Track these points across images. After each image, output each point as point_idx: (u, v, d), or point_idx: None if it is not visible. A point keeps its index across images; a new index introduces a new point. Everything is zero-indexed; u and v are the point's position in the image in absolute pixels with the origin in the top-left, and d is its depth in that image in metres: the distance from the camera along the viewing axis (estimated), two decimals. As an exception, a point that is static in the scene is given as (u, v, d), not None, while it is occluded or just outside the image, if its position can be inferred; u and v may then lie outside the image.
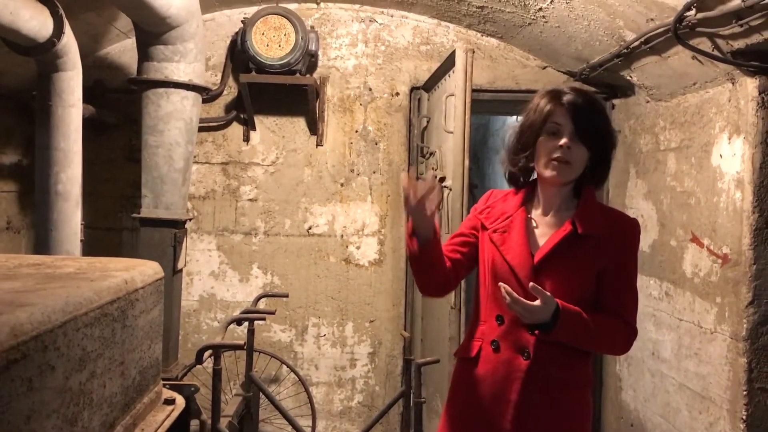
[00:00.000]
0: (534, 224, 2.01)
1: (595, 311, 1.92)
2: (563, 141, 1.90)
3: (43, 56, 2.70)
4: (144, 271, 1.58)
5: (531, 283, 1.82)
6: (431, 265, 2.00)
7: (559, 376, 1.95)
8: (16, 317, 1.01)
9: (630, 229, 2.01)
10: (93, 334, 1.26)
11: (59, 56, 2.71)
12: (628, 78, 3.71)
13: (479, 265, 2.08)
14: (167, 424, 1.60)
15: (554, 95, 1.98)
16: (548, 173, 1.94)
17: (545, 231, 2.00)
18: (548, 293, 1.79)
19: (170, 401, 1.72)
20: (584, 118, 1.93)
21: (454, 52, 3.23)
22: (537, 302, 1.78)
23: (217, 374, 2.87)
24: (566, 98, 1.95)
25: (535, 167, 2.01)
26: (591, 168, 1.98)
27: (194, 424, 2.22)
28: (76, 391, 1.19)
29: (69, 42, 2.73)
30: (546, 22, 3.61)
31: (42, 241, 2.78)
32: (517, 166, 2.03)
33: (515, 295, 1.79)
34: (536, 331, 1.87)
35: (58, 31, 2.63)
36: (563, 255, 1.93)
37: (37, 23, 2.50)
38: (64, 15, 2.64)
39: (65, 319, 1.14)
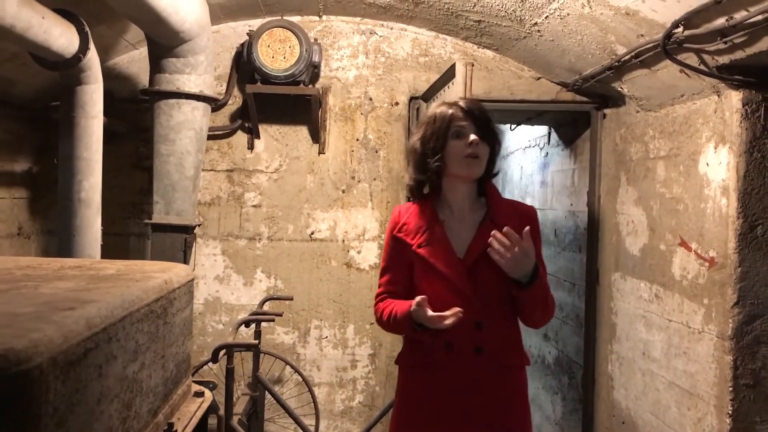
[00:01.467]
0: (456, 230, 2.15)
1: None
2: (472, 138, 2.09)
3: (68, 71, 2.84)
4: (178, 272, 1.71)
5: (506, 228, 1.95)
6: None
7: (510, 362, 2.13)
8: (88, 312, 1.15)
9: (532, 214, 2.21)
10: (143, 328, 1.39)
11: (83, 70, 2.85)
12: (619, 89, 3.87)
13: (414, 279, 2.18)
14: (199, 414, 1.73)
15: (450, 104, 2.19)
16: (465, 171, 2.12)
17: (465, 233, 2.15)
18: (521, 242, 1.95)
19: (199, 394, 1.85)
20: (481, 119, 2.14)
21: (454, 65, 3.38)
22: (525, 244, 1.94)
23: (230, 373, 3.00)
24: (462, 104, 2.17)
25: (445, 170, 2.16)
26: (490, 167, 2.20)
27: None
28: (131, 379, 1.32)
29: (92, 57, 2.87)
30: (540, 35, 3.77)
31: (65, 246, 2.91)
32: (428, 173, 2.17)
33: (514, 235, 1.93)
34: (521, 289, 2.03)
35: (83, 47, 2.76)
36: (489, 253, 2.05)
37: (66, 40, 2.64)
38: (89, 32, 2.78)
39: (124, 314, 1.27)
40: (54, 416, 0.98)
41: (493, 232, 1.97)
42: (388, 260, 2.24)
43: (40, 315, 1.09)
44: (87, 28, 2.77)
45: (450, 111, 2.16)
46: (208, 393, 1.89)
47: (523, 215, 2.18)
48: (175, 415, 1.65)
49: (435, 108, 2.23)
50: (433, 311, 1.99)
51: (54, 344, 0.98)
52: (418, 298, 1.96)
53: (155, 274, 1.61)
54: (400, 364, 2.24)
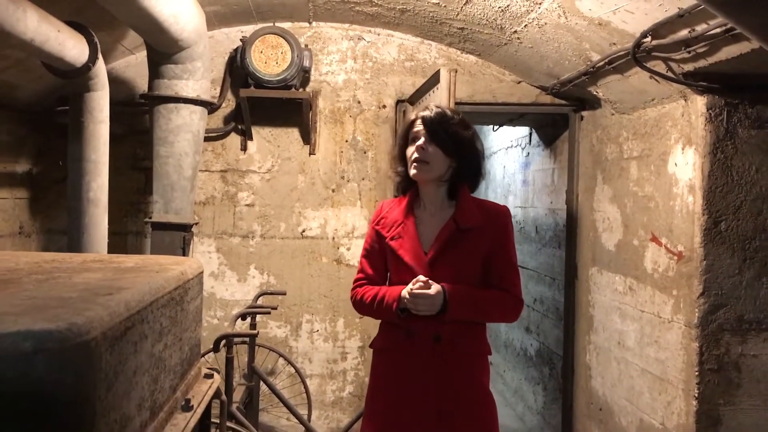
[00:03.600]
0: (426, 227, 2.33)
1: (484, 289, 2.28)
2: (419, 143, 2.27)
3: (78, 78, 3.00)
4: (191, 265, 1.90)
5: (419, 276, 2.18)
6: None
7: (468, 350, 2.28)
8: (125, 296, 1.33)
9: (502, 215, 2.35)
10: (166, 313, 1.58)
11: (91, 78, 3.02)
12: (595, 93, 4.09)
13: (387, 268, 2.40)
14: (210, 392, 1.92)
15: (417, 113, 2.37)
16: (411, 172, 2.29)
17: (433, 230, 2.31)
18: (436, 286, 2.16)
19: (209, 375, 2.04)
20: (436, 125, 2.29)
21: (438, 71, 3.57)
22: (431, 290, 2.14)
23: (229, 362, 3.18)
24: (423, 112, 2.34)
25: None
26: (459, 171, 2.32)
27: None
28: (157, 357, 1.51)
29: (100, 65, 3.04)
30: (520, 42, 3.97)
31: (75, 244, 3.08)
32: (398, 174, 2.42)
33: (418, 292, 2.15)
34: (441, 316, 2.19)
35: (93, 57, 2.94)
36: (451, 248, 2.26)
37: (77, 51, 2.81)
38: (98, 43, 2.95)
39: (152, 299, 1.46)
40: (105, 381, 1.16)
41: (410, 292, 2.16)
42: (367, 249, 2.45)
43: (85, 299, 1.27)
44: (96, 39, 2.95)
45: (410, 119, 2.37)
46: (216, 375, 2.08)
47: (489, 214, 2.33)
48: (190, 392, 1.84)
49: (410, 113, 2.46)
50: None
51: (104, 321, 1.16)
52: (415, 281, 2.18)
53: (171, 267, 1.79)
54: (373, 348, 2.45)
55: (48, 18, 2.53)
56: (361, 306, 2.41)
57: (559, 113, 4.75)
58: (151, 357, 1.45)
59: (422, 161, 2.27)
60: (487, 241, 2.29)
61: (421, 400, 2.24)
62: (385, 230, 2.38)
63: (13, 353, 0.99)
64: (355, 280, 2.47)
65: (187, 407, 1.71)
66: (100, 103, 3.10)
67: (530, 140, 5.87)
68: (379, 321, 2.46)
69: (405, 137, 2.38)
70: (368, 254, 2.45)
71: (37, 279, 1.50)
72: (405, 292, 2.19)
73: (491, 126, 6.33)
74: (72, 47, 2.75)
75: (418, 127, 2.31)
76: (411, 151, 2.31)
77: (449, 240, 2.27)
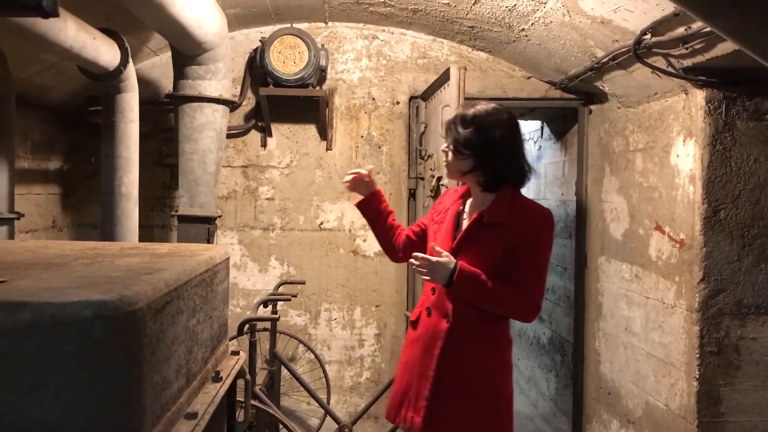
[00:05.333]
0: (465, 217, 2.52)
1: (499, 281, 2.35)
2: (441, 148, 2.51)
3: (111, 81, 3.22)
4: (219, 251, 2.08)
5: (431, 243, 2.42)
6: (375, 219, 2.74)
7: (475, 335, 2.39)
8: (164, 276, 1.52)
9: (534, 217, 2.40)
10: (198, 292, 1.77)
11: (123, 80, 3.23)
12: (601, 87, 4.22)
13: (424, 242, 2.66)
14: (237, 367, 2.11)
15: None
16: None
17: (468, 221, 2.48)
18: (447, 254, 2.33)
19: (236, 353, 2.23)
20: (448, 125, 2.48)
21: (449, 69, 3.73)
22: (435, 258, 2.31)
23: (252, 345, 3.38)
24: (450, 117, 2.52)
25: None
26: (485, 171, 2.41)
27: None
28: (192, 331, 1.70)
29: (130, 68, 3.25)
30: (528, 40, 4.12)
31: (108, 235, 3.30)
32: None
33: (420, 255, 2.35)
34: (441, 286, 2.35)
35: (124, 61, 3.15)
36: (473, 240, 2.39)
37: (111, 56, 3.02)
38: (129, 48, 3.16)
39: (186, 279, 1.65)
40: (149, 346, 1.35)
41: (413, 254, 2.38)
42: (423, 217, 2.79)
43: (129, 277, 1.46)
44: (127, 45, 3.16)
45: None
46: (242, 353, 2.27)
47: (521, 215, 2.39)
48: (219, 366, 2.03)
49: None
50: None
51: (148, 295, 1.35)
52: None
53: (201, 252, 1.98)
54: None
55: (85, 26, 2.74)
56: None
57: (569, 107, 4.88)
58: (186, 330, 1.64)
59: (445, 160, 2.50)
60: (512, 238, 2.35)
61: (421, 376, 2.44)
62: (434, 215, 2.63)
63: (76, 319, 1.18)
64: None
65: (217, 378, 1.90)
66: (130, 104, 3.31)
67: (542, 134, 6.01)
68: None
69: None
70: (418, 224, 2.78)
71: (84, 263, 1.70)
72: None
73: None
74: (106, 52, 2.96)
75: (444, 130, 2.57)
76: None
77: (473, 232, 2.40)
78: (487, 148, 2.40)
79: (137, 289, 1.32)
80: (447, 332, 2.40)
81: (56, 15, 1.28)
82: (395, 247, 2.77)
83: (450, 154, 2.46)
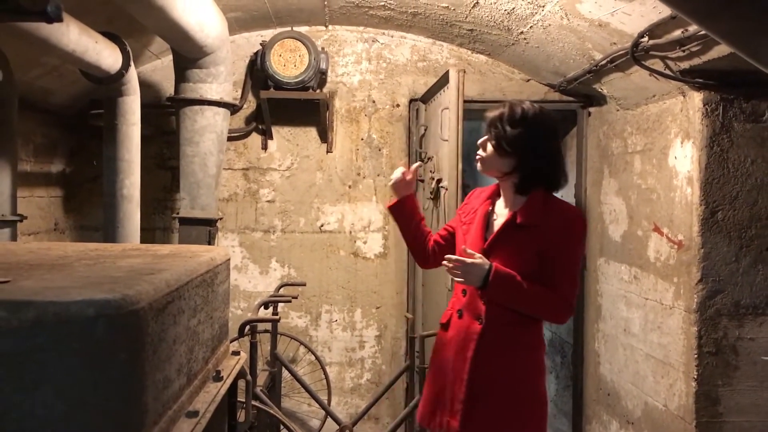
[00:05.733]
0: (495, 217, 2.49)
1: (534, 283, 2.32)
2: (480, 140, 2.45)
3: (112, 84, 3.25)
4: (219, 252, 2.11)
5: (463, 246, 2.37)
6: (408, 224, 2.67)
7: (508, 338, 2.37)
8: (165, 276, 1.54)
9: (567, 219, 2.38)
10: (199, 293, 1.79)
11: (124, 84, 3.26)
12: (600, 90, 4.25)
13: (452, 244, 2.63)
14: (237, 367, 2.13)
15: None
16: (477, 166, 2.49)
17: (500, 221, 2.44)
18: (480, 255, 2.30)
19: (236, 353, 2.26)
20: (491, 122, 2.40)
21: (448, 72, 3.76)
22: (468, 259, 2.28)
23: (253, 346, 3.40)
24: (490, 112, 2.44)
25: None
26: (523, 170, 2.38)
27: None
28: (193, 330, 1.72)
29: (132, 72, 3.29)
30: (527, 43, 4.15)
31: (110, 237, 3.33)
32: None
33: (453, 257, 2.32)
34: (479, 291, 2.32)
35: (126, 64, 3.18)
36: (506, 241, 2.36)
37: (113, 59, 3.05)
38: (130, 51, 3.19)
39: (187, 279, 1.67)
40: (151, 345, 1.38)
41: (446, 256, 2.34)
42: (449, 222, 2.75)
43: (131, 277, 1.48)
44: (128, 48, 3.19)
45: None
46: (243, 353, 2.29)
47: (554, 216, 2.36)
48: (220, 365, 2.05)
49: None
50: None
51: (150, 295, 1.37)
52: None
53: (202, 253, 2.00)
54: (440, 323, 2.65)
55: (87, 30, 2.77)
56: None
57: (568, 110, 4.91)
58: (187, 329, 1.66)
59: (479, 156, 2.46)
60: (544, 240, 2.33)
61: (456, 379, 2.39)
62: (462, 216, 2.58)
63: (79, 318, 1.21)
64: None
65: (218, 377, 1.92)
66: (132, 107, 3.34)
67: (541, 136, 6.02)
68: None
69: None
70: (446, 227, 2.73)
71: (87, 263, 1.72)
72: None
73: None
74: (107, 56, 2.99)
75: (485, 125, 2.45)
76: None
77: (506, 233, 2.37)
78: (533, 150, 2.37)
79: (139, 289, 1.35)
80: (480, 334, 2.36)
81: (60, 20, 1.31)
82: (425, 253, 2.70)
83: (489, 149, 2.41)
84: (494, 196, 2.54)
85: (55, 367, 1.21)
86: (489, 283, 2.27)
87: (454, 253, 2.49)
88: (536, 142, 2.37)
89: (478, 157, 2.47)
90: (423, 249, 2.70)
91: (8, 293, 1.26)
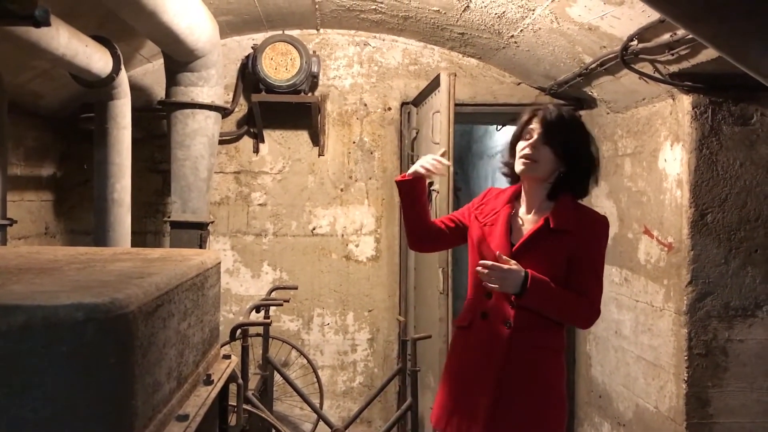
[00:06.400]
0: (519, 221, 2.42)
1: (565, 288, 2.29)
2: (531, 141, 2.32)
3: (103, 88, 3.24)
4: (210, 256, 2.11)
5: (497, 252, 2.27)
6: (415, 200, 2.51)
7: (536, 342, 2.32)
8: (155, 280, 1.54)
9: (599, 224, 2.38)
10: (189, 296, 1.79)
11: (115, 87, 3.26)
12: (590, 93, 4.27)
13: (470, 251, 2.51)
14: (228, 371, 2.13)
15: (535, 110, 2.39)
16: (518, 168, 2.34)
17: (527, 225, 2.38)
18: (515, 263, 2.23)
19: (227, 357, 2.25)
20: (552, 126, 2.31)
21: (439, 75, 3.77)
22: (505, 266, 2.21)
23: (245, 350, 3.40)
24: (542, 111, 2.35)
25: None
26: (566, 176, 2.34)
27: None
28: (183, 334, 1.72)
29: (122, 75, 3.29)
30: (518, 46, 4.17)
31: (101, 241, 3.32)
32: (506, 164, 2.50)
33: (488, 263, 2.23)
34: (513, 298, 2.25)
35: (116, 68, 3.18)
36: (538, 246, 2.30)
37: (103, 63, 3.05)
38: (121, 55, 3.19)
39: (177, 283, 1.67)
40: (140, 348, 1.38)
41: (480, 262, 2.25)
42: (456, 212, 2.62)
43: (121, 281, 1.48)
44: (119, 52, 3.19)
45: (527, 117, 2.38)
46: (234, 357, 2.29)
47: (584, 222, 2.35)
48: (211, 369, 2.05)
49: (525, 113, 2.45)
50: (475, 282, 2.38)
51: (139, 298, 1.37)
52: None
53: (192, 257, 2.00)
54: (455, 325, 2.56)
55: (77, 34, 2.77)
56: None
57: (558, 113, 4.92)
58: (177, 333, 1.66)
59: (531, 159, 2.32)
60: (575, 245, 2.30)
61: (480, 384, 2.34)
62: (481, 215, 2.46)
63: (69, 321, 1.21)
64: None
65: (209, 381, 1.92)
66: (122, 110, 3.34)
67: (533, 139, 6.04)
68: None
69: (518, 134, 2.39)
70: (453, 215, 2.61)
71: (77, 267, 1.72)
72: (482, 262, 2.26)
73: (495, 126, 6.51)
74: (98, 60, 2.99)
75: (534, 124, 2.34)
76: (522, 146, 2.34)
77: (537, 238, 2.31)
78: (584, 157, 2.38)
79: (128, 293, 1.35)
80: (508, 339, 2.31)
81: (48, 24, 1.31)
82: (426, 233, 2.58)
83: (547, 152, 2.32)
84: (513, 199, 2.48)
85: (45, 371, 1.21)
86: (527, 290, 2.22)
87: (456, 244, 2.52)
88: (587, 149, 2.39)
89: (527, 158, 2.33)
90: (425, 229, 2.57)
91: (-3, 297, 1.26)
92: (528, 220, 2.40)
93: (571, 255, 2.31)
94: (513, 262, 2.24)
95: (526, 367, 2.33)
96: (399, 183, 2.53)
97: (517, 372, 2.32)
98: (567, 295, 2.29)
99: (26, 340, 1.19)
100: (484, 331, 2.37)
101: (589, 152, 2.39)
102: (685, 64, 3.12)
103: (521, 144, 2.36)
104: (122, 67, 3.28)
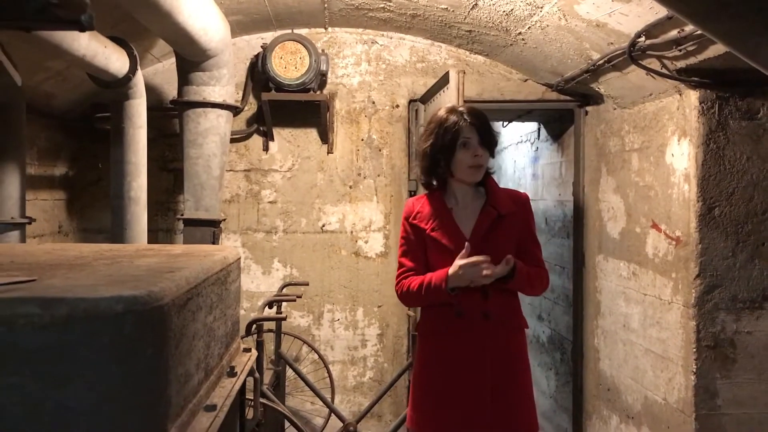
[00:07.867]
0: (462, 215, 2.52)
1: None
2: (478, 151, 2.44)
3: (120, 88, 3.29)
4: (231, 252, 2.16)
5: (466, 242, 2.38)
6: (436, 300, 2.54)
7: (512, 324, 2.49)
8: (184, 274, 1.59)
9: (527, 200, 2.60)
10: (214, 290, 1.84)
11: (131, 87, 3.31)
12: (597, 89, 4.31)
13: (428, 257, 2.52)
14: (250, 363, 2.18)
15: (458, 115, 2.47)
16: (469, 178, 2.48)
17: (470, 219, 2.50)
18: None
19: (248, 350, 2.30)
20: (483, 128, 2.47)
21: (448, 73, 3.81)
22: (482, 257, 2.32)
23: (260, 345, 3.45)
24: (468, 117, 2.46)
25: (452, 174, 2.50)
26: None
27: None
28: (209, 327, 1.77)
29: (139, 76, 3.34)
30: (525, 43, 4.20)
31: (118, 239, 3.37)
32: (436, 177, 2.57)
33: (480, 258, 2.31)
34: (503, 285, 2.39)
35: (133, 68, 3.23)
36: (491, 232, 2.45)
37: (120, 64, 3.10)
38: (138, 56, 3.24)
39: (204, 277, 1.72)
40: (173, 339, 1.43)
41: (483, 265, 2.31)
42: (406, 244, 2.56)
43: (153, 275, 1.53)
44: (135, 52, 3.24)
45: (459, 123, 2.45)
46: (254, 350, 2.34)
47: (517, 201, 2.56)
48: (233, 361, 2.10)
49: (443, 114, 2.52)
50: None
51: (173, 291, 1.42)
52: (460, 257, 2.35)
53: (215, 253, 2.05)
54: (419, 331, 2.60)
55: (96, 35, 2.82)
56: (408, 296, 2.51)
57: (565, 109, 4.96)
58: (204, 326, 1.71)
59: (479, 166, 2.47)
60: (519, 224, 2.52)
61: (476, 378, 2.41)
62: (423, 223, 2.51)
63: (109, 313, 1.26)
64: (398, 276, 2.56)
65: (232, 373, 1.97)
66: (138, 110, 3.39)
67: (539, 135, 6.09)
68: (418, 308, 2.67)
69: (450, 143, 2.45)
70: (407, 248, 2.56)
71: (105, 263, 1.77)
72: (456, 265, 2.33)
73: (501, 122, 6.56)
74: (116, 60, 3.04)
75: (470, 133, 2.44)
76: (466, 157, 2.44)
77: (490, 225, 2.46)
78: (496, 144, 2.57)
79: (163, 286, 1.40)
80: (490, 328, 2.43)
81: (92, 29, 1.35)
82: None
83: (485, 155, 2.48)
84: (435, 200, 2.56)
85: (86, 361, 1.26)
86: (516, 270, 2.37)
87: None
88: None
89: (480, 166, 2.48)
90: None
91: (40, 290, 1.31)
92: (469, 214, 2.52)
93: (518, 234, 2.51)
94: (486, 257, 2.33)
95: (513, 351, 2.49)
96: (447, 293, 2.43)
97: (507, 358, 2.45)
98: (535, 270, 2.49)
99: (69, 331, 1.24)
100: (464, 329, 2.44)
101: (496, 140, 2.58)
102: (692, 60, 3.15)
103: (463, 153, 2.45)
104: (138, 67, 3.33)
